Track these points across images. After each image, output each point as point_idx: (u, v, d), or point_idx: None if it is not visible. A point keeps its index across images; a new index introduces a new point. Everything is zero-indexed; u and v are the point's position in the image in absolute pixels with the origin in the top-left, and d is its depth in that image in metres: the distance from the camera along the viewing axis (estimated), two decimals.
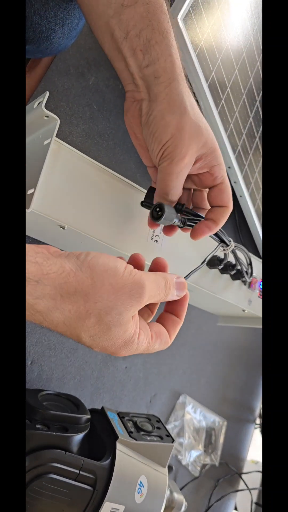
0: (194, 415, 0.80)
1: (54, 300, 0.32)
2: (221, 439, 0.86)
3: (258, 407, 0.98)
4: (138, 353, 0.39)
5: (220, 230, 0.52)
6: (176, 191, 0.46)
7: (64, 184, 0.49)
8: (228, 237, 0.56)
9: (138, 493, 0.51)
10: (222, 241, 0.54)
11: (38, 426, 0.46)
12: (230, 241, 0.56)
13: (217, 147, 0.46)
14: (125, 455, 0.51)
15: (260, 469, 1.02)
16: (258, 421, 0.99)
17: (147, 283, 0.37)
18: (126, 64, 0.46)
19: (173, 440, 0.56)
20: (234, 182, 0.77)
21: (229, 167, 0.75)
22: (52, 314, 0.33)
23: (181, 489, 0.78)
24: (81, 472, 0.47)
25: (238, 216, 0.84)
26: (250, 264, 0.63)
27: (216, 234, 0.53)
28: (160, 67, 0.45)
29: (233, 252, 0.61)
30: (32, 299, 0.32)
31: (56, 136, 0.47)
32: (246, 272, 0.63)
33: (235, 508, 0.97)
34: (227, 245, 0.56)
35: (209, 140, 0.45)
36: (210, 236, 0.51)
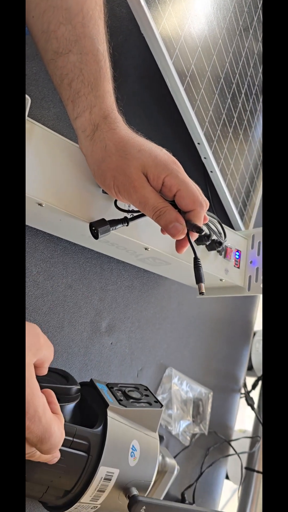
0: (181, 387, 0.83)
1: None
2: (209, 409, 0.89)
3: (242, 376, 1.02)
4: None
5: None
6: (152, 202, 0.47)
7: (39, 163, 0.50)
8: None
9: (131, 456, 0.53)
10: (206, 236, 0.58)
11: None
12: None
13: (163, 159, 0.47)
14: (116, 421, 0.53)
15: (248, 436, 1.06)
16: (243, 390, 1.02)
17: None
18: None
19: (161, 406, 0.58)
20: (204, 158, 0.79)
21: (198, 143, 0.77)
22: None
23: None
24: (74, 439, 0.48)
25: (210, 191, 0.86)
26: (224, 232, 0.65)
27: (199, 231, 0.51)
28: (85, 120, 0.48)
29: (206, 223, 0.63)
30: None
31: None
32: (220, 243, 0.65)
33: (226, 477, 1.01)
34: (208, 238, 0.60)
35: (147, 158, 0.46)
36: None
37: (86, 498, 0.50)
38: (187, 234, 0.49)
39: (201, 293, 0.47)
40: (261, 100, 0.99)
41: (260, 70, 0.97)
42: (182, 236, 0.48)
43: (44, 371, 0.44)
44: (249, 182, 0.96)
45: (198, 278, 0.48)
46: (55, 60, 0.47)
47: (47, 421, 0.38)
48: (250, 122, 0.94)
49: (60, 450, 0.47)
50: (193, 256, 0.51)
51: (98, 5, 0.48)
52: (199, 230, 0.48)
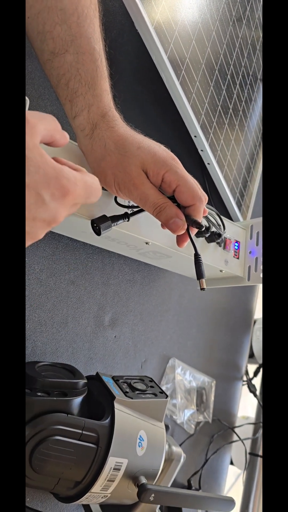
0: (184, 377, 0.84)
1: None
2: (212, 397, 0.90)
3: (244, 364, 1.03)
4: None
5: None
6: (152, 198, 0.48)
7: None
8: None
9: (139, 446, 0.55)
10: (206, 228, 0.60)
11: (38, 393, 0.49)
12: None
13: (162, 156, 0.48)
14: (123, 413, 0.54)
15: (251, 422, 1.08)
16: (245, 378, 1.04)
17: None
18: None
19: (166, 396, 0.59)
20: (201, 150, 0.80)
21: (195, 136, 0.77)
22: None
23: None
24: (83, 432, 0.50)
25: (208, 182, 0.87)
26: (223, 224, 0.66)
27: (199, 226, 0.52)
28: (84, 119, 0.49)
29: (205, 216, 0.64)
30: None
31: None
32: (219, 235, 0.66)
33: (231, 463, 1.03)
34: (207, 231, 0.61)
35: (146, 155, 0.47)
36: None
37: (96, 488, 0.52)
38: (187, 229, 0.50)
39: (202, 289, 0.48)
40: (255, 89, 0.99)
41: (254, 60, 0.97)
42: (182, 231, 0.49)
43: (62, 140, 0.39)
44: (246, 172, 0.96)
45: (199, 274, 0.49)
46: (52, 60, 0.47)
47: (79, 179, 0.36)
48: (246, 112, 0.95)
49: (69, 442, 0.49)
50: (194, 250, 0.51)
51: (92, 3, 0.48)
52: (199, 226, 0.49)
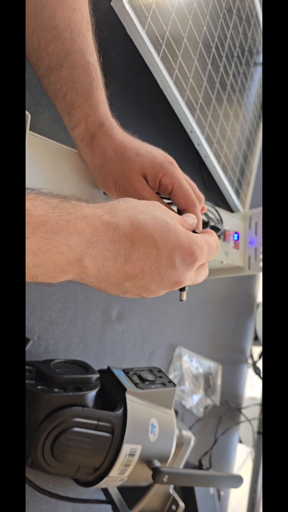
0: (191, 364, 0.88)
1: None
2: (219, 382, 0.94)
3: (248, 348, 1.07)
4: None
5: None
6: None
7: (42, 172, 0.53)
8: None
9: (151, 433, 0.58)
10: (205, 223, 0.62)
11: (55, 390, 0.52)
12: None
13: (159, 160, 0.50)
14: (135, 403, 0.58)
15: (258, 403, 1.12)
16: (249, 360, 1.08)
17: None
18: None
19: (175, 385, 0.63)
20: (198, 144, 0.82)
21: (191, 132, 0.79)
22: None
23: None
24: (99, 423, 0.53)
25: (206, 175, 0.89)
26: (220, 218, 0.69)
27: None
28: (82, 130, 0.51)
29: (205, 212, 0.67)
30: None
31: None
32: (218, 229, 0.68)
33: (240, 441, 1.07)
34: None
35: (144, 161, 0.49)
36: None
37: (113, 472, 0.56)
38: None
39: (181, 300, 0.50)
40: (248, 77, 1.00)
41: (246, 48, 0.98)
42: None
43: None
44: (243, 161, 0.98)
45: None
46: (48, 76, 0.49)
47: (204, 244, 0.41)
48: (240, 101, 0.96)
49: (87, 433, 0.52)
50: None
51: (84, 17, 0.49)
52: (193, 232, 0.51)
